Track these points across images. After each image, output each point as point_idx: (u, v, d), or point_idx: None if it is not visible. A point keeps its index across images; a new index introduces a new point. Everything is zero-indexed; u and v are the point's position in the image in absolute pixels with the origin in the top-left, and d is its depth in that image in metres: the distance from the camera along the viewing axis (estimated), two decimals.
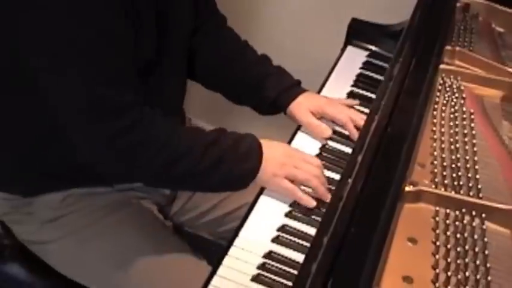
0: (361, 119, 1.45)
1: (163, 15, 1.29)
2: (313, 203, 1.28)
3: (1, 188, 1.40)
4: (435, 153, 1.25)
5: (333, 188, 1.28)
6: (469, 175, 1.20)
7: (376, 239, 0.98)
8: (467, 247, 1.06)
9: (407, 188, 1.14)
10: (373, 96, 1.62)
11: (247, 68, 1.52)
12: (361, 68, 1.76)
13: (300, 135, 1.50)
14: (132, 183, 1.43)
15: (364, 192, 1.07)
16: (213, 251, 1.45)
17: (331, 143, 1.46)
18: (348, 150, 1.44)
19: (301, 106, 1.49)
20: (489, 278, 1.01)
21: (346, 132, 1.48)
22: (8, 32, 1.16)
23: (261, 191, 1.33)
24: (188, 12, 1.41)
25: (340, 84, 1.67)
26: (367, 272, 0.92)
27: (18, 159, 1.37)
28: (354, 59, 1.80)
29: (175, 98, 1.46)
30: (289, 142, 1.48)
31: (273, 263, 1.18)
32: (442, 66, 1.48)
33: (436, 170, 1.21)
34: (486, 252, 1.06)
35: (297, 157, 1.33)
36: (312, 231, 1.23)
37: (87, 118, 1.19)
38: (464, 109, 1.38)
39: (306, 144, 1.46)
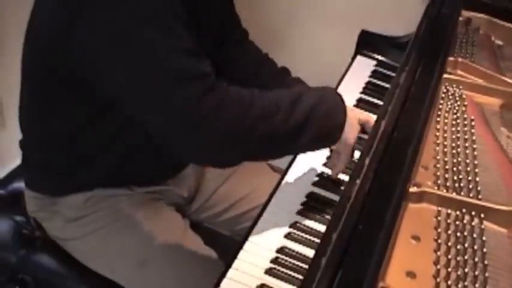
0: None
1: (203, 27, 1.28)
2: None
3: (32, 187, 1.41)
4: (438, 156, 1.24)
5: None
6: (470, 177, 1.20)
7: (381, 236, 0.98)
8: (466, 245, 1.06)
9: (411, 189, 1.13)
10: (381, 102, 1.61)
11: (268, 79, 1.50)
12: (369, 77, 1.75)
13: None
14: (162, 180, 1.43)
15: (371, 192, 1.07)
16: (231, 246, 1.45)
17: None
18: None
19: None
20: (487, 274, 1.01)
21: None
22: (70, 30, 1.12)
23: (274, 191, 1.33)
24: (218, 27, 1.41)
25: (350, 91, 1.67)
26: (373, 267, 0.92)
27: (50, 161, 1.37)
28: (363, 67, 1.80)
29: None
30: (291, 162, 1.46)
31: (285, 257, 1.18)
32: (445, 75, 1.47)
33: (438, 173, 1.20)
34: (484, 250, 1.05)
35: (359, 121, 1.29)
36: (322, 228, 1.24)
37: (169, 86, 1.10)
38: (465, 116, 1.37)
39: (308, 162, 1.45)
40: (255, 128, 1.14)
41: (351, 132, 1.25)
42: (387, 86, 1.70)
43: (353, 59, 1.84)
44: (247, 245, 1.20)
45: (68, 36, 1.12)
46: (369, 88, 1.70)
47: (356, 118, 1.28)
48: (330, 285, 0.89)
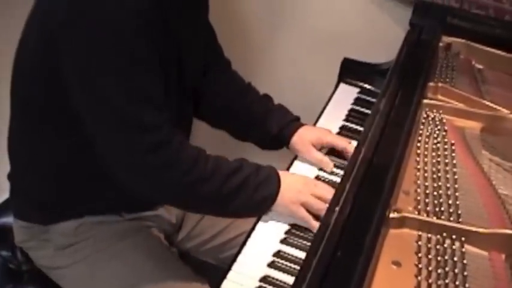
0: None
1: (182, 61, 1.33)
2: None
3: (21, 217, 1.42)
4: (419, 181, 1.25)
5: None
6: (450, 201, 1.21)
7: (361, 262, 0.98)
8: (447, 269, 1.06)
9: (391, 215, 1.14)
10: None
11: (250, 106, 1.55)
12: (352, 104, 1.77)
13: (296, 163, 1.52)
14: (152, 206, 1.45)
15: (350, 218, 1.08)
16: (217, 275, 1.45)
17: (324, 174, 1.47)
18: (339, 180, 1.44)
19: (303, 140, 1.51)
20: None
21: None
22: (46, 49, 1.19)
23: (259, 218, 1.34)
24: (201, 57, 1.45)
25: (333, 119, 1.69)
26: None
27: (39, 190, 1.38)
28: (346, 95, 1.81)
29: (185, 131, 1.48)
30: (287, 169, 1.49)
31: (269, 286, 1.18)
32: (425, 101, 1.49)
33: (419, 197, 1.21)
34: (465, 273, 1.06)
35: (312, 185, 1.35)
36: (304, 256, 1.24)
37: (120, 136, 1.20)
38: (446, 140, 1.39)
39: (303, 172, 1.47)
40: (189, 192, 1.26)
41: (288, 198, 1.31)
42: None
43: (336, 86, 1.86)
44: (231, 274, 1.20)
45: (47, 67, 1.19)
46: (352, 115, 1.71)
47: (301, 184, 1.35)
48: None
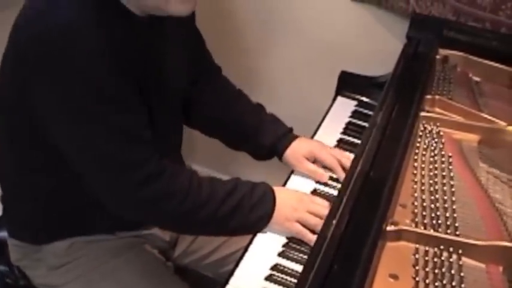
0: (349, 162, 1.47)
1: (165, 81, 1.33)
2: None
3: (14, 236, 1.42)
4: (416, 194, 1.26)
5: None
6: (447, 214, 1.21)
7: (357, 275, 0.98)
8: (445, 282, 1.07)
9: (388, 228, 1.14)
10: None
11: (241, 117, 1.54)
12: (350, 117, 1.77)
13: (293, 177, 1.52)
14: (145, 225, 1.45)
15: (347, 231, 1.08)
16: None
17: (321, 187, 1.48)
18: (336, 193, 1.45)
19: (296, 153, 1.51)
20: None
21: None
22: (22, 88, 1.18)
23: (256, 233, 1.34)
24: (184, 66, 1.44)
25: (331, 132, 1.69)
26: None
27: (28, 212, 1.38)
28: (344, 108, 1.82)
29: (175, 142, 1.49)
30: (284, 184, 1.49)
31: None
32: (422, 113, 1.49)
33: (416, 210, 1.21)
34: (463, 285, 1.06)
35: (307, 201, 1.36)
36: (301, 269, 1.24)
37: (108, 176, 1.21)
38: (443, 153, 1.39)
39: (299, 187, 1.47)
40: (185, 220, 1.28)
41: (284, 215, 1.32)
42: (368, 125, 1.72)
43: (334, 100, 1.87)
44: None
45: (25, 100, 1.18)
46: (350, 128, 1.72)
47: (296, 201, 1.35)
48: None
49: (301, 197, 1.38)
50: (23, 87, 1.17)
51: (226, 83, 1.61)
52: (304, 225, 1.32)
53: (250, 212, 1.30)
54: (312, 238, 1.29)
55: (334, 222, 1.11)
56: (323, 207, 1.35)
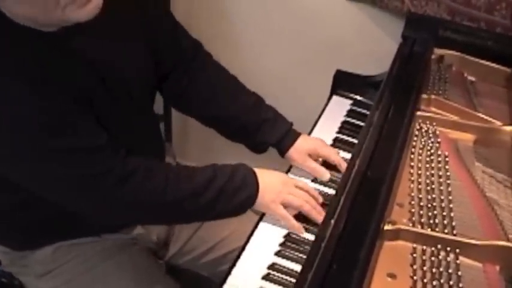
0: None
1: (105, 72, 1.24)
2: (302, 232, 1.32)
3: (1, 242, 1.39)
4: (413, 193, 1.26)
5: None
6: (444, 213, 1.21)
7: (356, 275, 0.99)
8: (442, 281, 1.07)
9: (386, 227, 1.15)
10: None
11: (243, 111, 1.51)
12: (345, 116, 1.77)
13: (290, 175, 1.52)
14: (128, 226, 1.44)
15: (345, 231, 1.08)
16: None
17: (316, 186, 1.48)
18: (333, 192, 1.45)
19: (300, 151, 1.51)
20: None
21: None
22: None
23: (252, 232, 1.34)
24: (138, 57, 1.34)
25: (326, 131, 1.69)
26: None
27: (6, 216, 1.35)
28: (339, 107, 1.82)
29: (149, 135, 1.44)
30: None
31: None
32: (418, 113, 1.50)
33: (413, 210, 1.22)
34: (460, 285, 1.07)
35: (291, 184, 1.37)
36: (299, 268, 1.24)
37: (83, 191, 1.18)
38: (439, 152, 1.39)
39: None
40: (168, 213, 1.28)
41: (268, 198, 1.33)
42: (363, 124, 1.72)
43: (329, 99, 1.87)
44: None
45: None
46: (345, 127, 1.72)
47: (280, 183, 1.36)
48: None
49: (285, 179, 1.39)
50: None
51: (219, 70, 1.55)
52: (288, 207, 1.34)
53: (234, 196, 1.30)
54: (295, 224, 1.32)
55: (332, 222, 1.11)
56: (305, 189, 1.37)
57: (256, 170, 1.35)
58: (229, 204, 1.30)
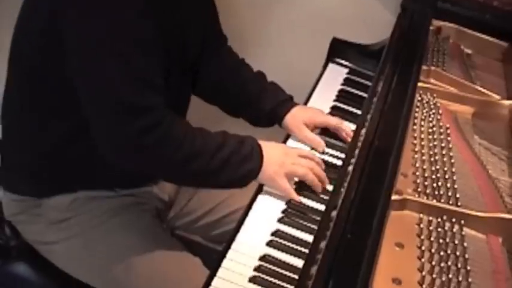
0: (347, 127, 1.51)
1: (185, 41, 1.34)
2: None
3: (12, 190, 1.39)
4: (417, 164, 1.27)
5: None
6: (448, 185, 1.22)
7: (370, 244, 0.99)
8: (449, 251, 1.08)
9: (393, 197, 1.15)
10: (355, 110, 1.64)
11: (244, 83, 1.54)
12: (342, 84, 1.77)
13: (288, 143, 1.52)
14: (145, 182, 1.46)
15: (356, 201, 1.08)
16: (205, 254, 1.46)
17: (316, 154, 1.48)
18: (332, 160, 1.45)
19: (296, 119, 1.51)
20: (470, 279, 1.03)
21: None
22: (52, 30, 1.19)
23: (255, 198, 1.34)
24: (201, 35, 1.45)
25: (324, 99, 1.69)
26: (364, 274, 0.94)
27: (32, 162, 1.36)
28: (335, 75, 1.81)
29: (183, 107, 1.48)
30: None
31: (269, 265, 1.18)
32: (419, 84, 1.50)
33: (418, 180, 1.22)
34: (466, 256, 1.08)
35: (293, 154, 1.37)
36: (303, 235, 1.25)
37: (115, 117, 1.20)
38: (441, 124, 1.40)
39: None
40: (178, 169, 1.29)
41: (271, 170, 1.32)
42: (360, 93, 1.72)
43: (324, 67, 1.86)
44: (230, 253, 1.19)
45: (50, 39, 1.20)
46: (343, 96, 1.72)
47: (283, 155, 1.36)
48: None
49: (287, 150, 1.39)
50: (52, 12, 1.17)
51: (230, 51, 1.60)
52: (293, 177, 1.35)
53: (238, 168, 1.30)
54: (295, 196, 1.32)
55: (342, 191, 1.11)
56: (310, 157, 1.37)
57: (261, 142, 1.35)
58: (233, 174, 1.30)
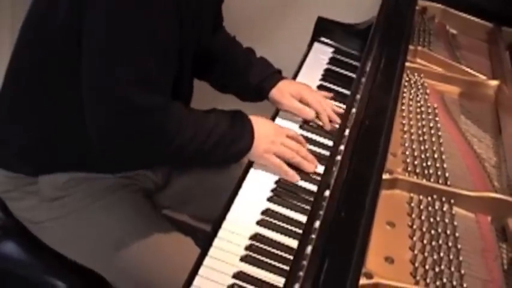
0: (333, 111, 1.48)
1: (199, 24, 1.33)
2: (297, 178, 1.33)
3: (6, 167, 1.36)
4: (406, 143, 1.27)
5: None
6: (437, 164, 1.23)
7: (363, 222, 0.99)
8: (439, 230, 1.09)
9: (384, 176, 1.15)
10: (341, 89, 1.63)
11: (234, 58, 1.55)
12: (328, 63, 1.76)
13: (277, 120, 1.51)
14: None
15: (348, 179, 1.09)
16: (193, 234, 1.45)
17: (303, 132, 1.47)
18: (319, 139, 1.45)
19: (283, 91, 1.50)
20: (460, 258, 1.04)
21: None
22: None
23: (244, 177, 1.33)
24: (211, 19, 1.47)
25: (309, 78, 1.67)
26: (358, 253, 0.94)
27: (33, 139, 1.34)
28: (321, 55, 1.80)
29: (189, 94, 1.48)
30: None
31: (260, 244, 1.18)
32: (406, 64, 1.50)
33: (407, 160, 1.23)
34: (457, 234, 1.09)
35: (283, 134, 1.37)
36: (293, 214, 1.25)
37: (114, 111, 1.19)
38: (428, 104, 1.41)
39: None
40: (171, 156, 1.31)
41: (262, 148, 1.33)
42: (346, 73, 1.72)
43: (310, 46, 1.85)
44: (221, 233, 1.19)
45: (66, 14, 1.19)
46: (328, 75, 1.71)
47: (273, 134, 1.36)
48: (318, 273, 0.90)
49: (277, 129, 1.39)
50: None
51: (224, 30, 1.61)
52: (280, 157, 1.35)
53: (231, 146, 1.31)
54: (288, 170, 1.33)
55: (334, 170, 1.11)
56: (296, 139, 1.38)
57: (252, 118, 1.35)
58: (225, 153, 1.31)
